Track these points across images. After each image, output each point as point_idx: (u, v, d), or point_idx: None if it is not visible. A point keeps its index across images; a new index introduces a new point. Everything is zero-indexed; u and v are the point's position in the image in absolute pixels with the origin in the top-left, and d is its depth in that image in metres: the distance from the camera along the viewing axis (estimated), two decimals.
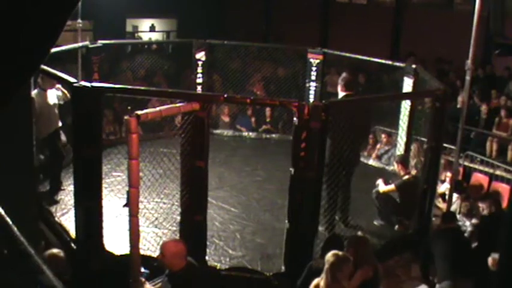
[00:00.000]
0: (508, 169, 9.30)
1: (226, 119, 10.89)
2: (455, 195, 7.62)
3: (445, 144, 8.02)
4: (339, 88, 6.85)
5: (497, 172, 9.28)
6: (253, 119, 10.92)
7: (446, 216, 6.33)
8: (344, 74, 7.15)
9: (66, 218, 6.68)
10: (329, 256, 4.49)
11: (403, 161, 7.24)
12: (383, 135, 9.60)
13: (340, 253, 4.59)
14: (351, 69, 12.78)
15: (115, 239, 6.00)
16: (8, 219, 1.29)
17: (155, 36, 18.33)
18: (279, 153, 8.99)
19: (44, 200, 7.08)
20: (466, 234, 7.01)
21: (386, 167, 9.00)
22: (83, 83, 5.72)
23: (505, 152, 10.23)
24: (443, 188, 8.16)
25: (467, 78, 6.62)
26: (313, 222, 5.65)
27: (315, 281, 4.55)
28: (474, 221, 7.24)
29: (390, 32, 16.28)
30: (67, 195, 7.19)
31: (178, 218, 5.90)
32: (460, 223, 7.42)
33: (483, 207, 6.82)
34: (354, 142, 6.40)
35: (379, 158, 9.51)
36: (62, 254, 4.82)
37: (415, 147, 8.28)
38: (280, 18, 17.66)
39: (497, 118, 10.81)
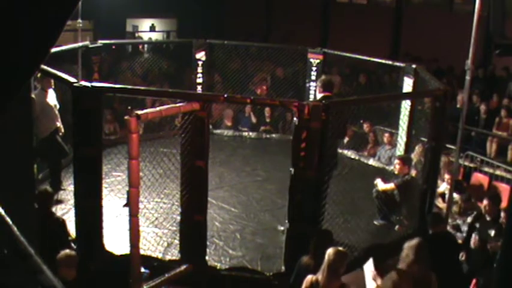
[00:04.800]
0: (508, 169, 9.29)
1: (229, 123, 10.86)
2: (455, 195, 7.61)
3: (445, 144, 8.01)
4: (317, 90, 6.69)
5: (497, 172, 9.27)
6: (253, 118, 10.92)
7: (434, 219, 6.10)
8: (323, 76, 7.23)
9: (66, 218, 6.66)
10: (331, 252, 4.53)
11: (405, 160, 7.23)
12: (386, 135, 9.59)
13: (340, 249, 4.64)
14: (351, 69, 12.81)
15: (115, 239, 6.00)
16: (8, 219, 1.29)
17: (155, 36, 18.33)
18: (279, 153, 9.00)
19: None
20: (463, 234, 7.01)
21: (387, 167, 9.00)
22: (83, 82, 5.72)
23: (505, 152, 10.22)
24: (443, 188, 8.16)
25: (467, 78, 6.62)
26: (313, 222, 5.65)
27: (311, 277, 4.56)
28: (470, 220, 7.23)
29: (390, 32, 16.29)
30: (67, 195, 7.19)
31: (178, 218, 5.90)
32: (458, 222, 7.44)
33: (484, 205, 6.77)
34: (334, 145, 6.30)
35: (379, 158, 9.50)
36: (73, 253, 4.93)
37: (419, 149, 8.25)
38: (280, 18, 17.67)
39: (497, 118, 10.80)
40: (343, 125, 6.71)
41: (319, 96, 6.58)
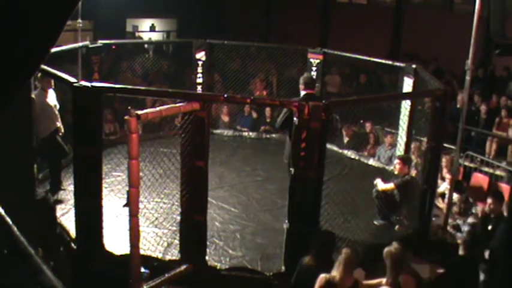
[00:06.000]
0: (508, 169, 9.30)
1: (226, 118, 10.89)
2: (455, 195, 7.61)
3: (445, 144, 8.01)
4: (300, 87, 6.91)
5: (497, 172, 9.27)
6: (254, 114, 10.92)
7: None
8: (305, 74, 7.52)
9: (66, 218, 6.67)
10: (348, 250, 4.69)
11: (405, 160, 7.23)
12: (388, 136, 9.58)
13: (355, 249, 4.85)
14: (351, 69, 12.81)
15: (115, 239, 6.00)
16: (8, 219, 1.29)
17: (155, 36, 18.33)
18: (279, 153, 8.98)
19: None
20: (463, 234, 7.01)
21: (387, 167, 9.00)
22: (83, 82, 5.72)
23: (505, 152, 10.22)
24: (443, 188, 8.16)
25: (467, 78, 6.62)
26: (313, 222, 5.65)
27: (325, 276, 4.62)
28: (470, 220, 7.23)
29: (390, 32, 16.29)
30: (67, 195, 7.19)
31: (178, 218, 5.90)
32: (459, 222, 7.44)
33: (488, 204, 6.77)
34: None
35: (379, 158, 9.50)
36: None
37: (415, 147, 8.27)
38: (280, 18, 17.67)
39: (497, 118, 10.80)
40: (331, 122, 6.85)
41: (302, 93, 6.72)
